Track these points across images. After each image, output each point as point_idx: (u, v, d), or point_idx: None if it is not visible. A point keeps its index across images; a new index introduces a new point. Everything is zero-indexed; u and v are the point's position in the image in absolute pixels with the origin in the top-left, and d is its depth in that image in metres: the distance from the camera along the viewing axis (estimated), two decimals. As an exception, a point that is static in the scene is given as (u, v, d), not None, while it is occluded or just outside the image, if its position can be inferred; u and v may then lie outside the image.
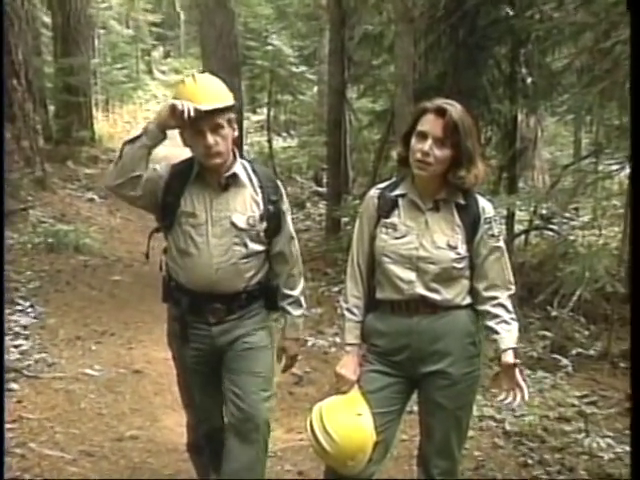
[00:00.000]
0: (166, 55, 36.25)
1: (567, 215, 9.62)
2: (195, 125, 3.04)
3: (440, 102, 2.87)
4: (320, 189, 15.04)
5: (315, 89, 18.09)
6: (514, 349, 2.95)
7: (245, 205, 3.17)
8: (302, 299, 3.39)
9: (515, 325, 2.98)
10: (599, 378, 5.98)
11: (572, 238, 8.75)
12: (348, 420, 2.89)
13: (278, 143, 18.09)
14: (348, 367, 3.01)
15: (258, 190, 3.20)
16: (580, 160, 9.07)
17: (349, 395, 2.98)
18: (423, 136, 2.84)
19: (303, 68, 18.53)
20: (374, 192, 3.05)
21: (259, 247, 3.20)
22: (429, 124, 2.84)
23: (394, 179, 3.15)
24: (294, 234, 3.36)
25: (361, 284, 3.06)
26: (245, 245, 3.15)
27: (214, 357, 3.24)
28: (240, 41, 13.83)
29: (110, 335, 6.71)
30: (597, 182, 7.46)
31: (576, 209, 10.75)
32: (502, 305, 2.97)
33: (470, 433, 4.13)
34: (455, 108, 2.84)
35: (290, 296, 3.34)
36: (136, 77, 25.55)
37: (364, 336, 3.06)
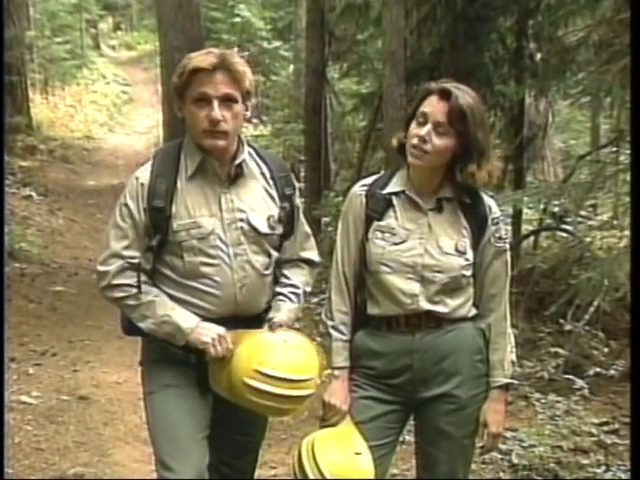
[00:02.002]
0: (116, 27, 36.22)
1: (583, 213, 9.64)
2: (199, 86, 2.81)
3: (446, 83, 2.87)
4: (297, 184, 15.07)
5: (291, 68, 18.13)
6: (507, 385, 2.99)
7: (261, 203, 2.96)
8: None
9: (509, 349, 3.00)
10: (621, 402, 5.99)
11: (589, 240, 8.77)
12: (345, 459, 2.86)
13: (248, 131, 18.10)
14: (338, 395, 2.99)
15: (271, 182, 3.01)
16: (598, 149, 9.15)
17: (342, 428, 2.96)
18: (423, 119, 2.84)
19: (277, 43, 18.59)
20: (360, 189, 3.01)
21: (276, 254, 3.04)
22: (431, 106, 2.83)
23: (382, 173, 3.14)
24: (311, 236, 3.21)
25: (348, 297, 3.03)
26: (267, 253, 2.98)
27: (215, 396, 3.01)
28: (203, 11, 13.83)
29: (51, 356, 6.67)
30: (618, 175, 7.50)
31: (593, 206, 10.82)
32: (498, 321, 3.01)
33: (471, 466, 4.15)
34: (463, 92, 2.83)
35: (293, 285, 3.11)
36: (80, 53, 25.48)
37: (352, 357, 3.04)
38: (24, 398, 5.63)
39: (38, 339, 7.04)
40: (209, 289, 2.88)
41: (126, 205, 2.88)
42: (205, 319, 2.88)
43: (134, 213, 2.86)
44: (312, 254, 3.19)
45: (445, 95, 2.81)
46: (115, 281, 2.88)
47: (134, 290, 2.86)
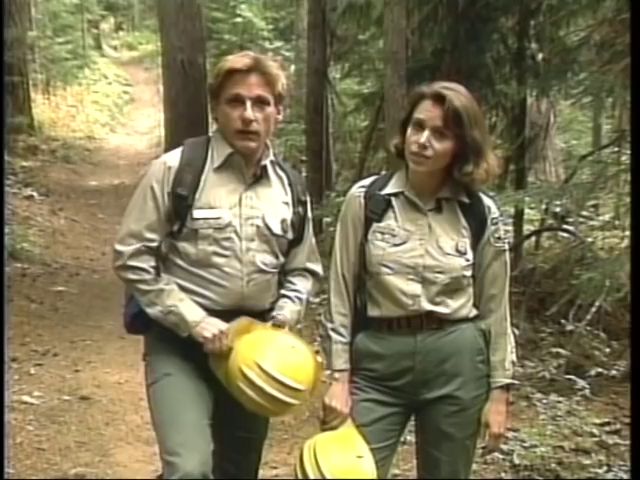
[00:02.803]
0: (117, 28, 36.21)
1: (584, 213, 9.64)
2: (233, 87, 2.89)
3: (439, 86, 2.86)
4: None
5: (292, 68, 18.11)
6: (508, 386, 3.00)
7: (277, 205, 3.04)
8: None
9: (510, 349, 3.01)
10: (622, 403, 5.98)
11: (590, 240, 8.77)
12: (347, 463, 2.86)
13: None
14: (339, 398, 2.98)
15: (288, 189, 3.09)
16: (600, 149, 9.13)
17: (344, 431, 2.96)
18: (420, 125, 2.83)
19: (278, 44, 18.60)
20: (358, 191, 3.02)
21: (283, 259, 3.10)
22: (426, 112, 2.83)
23: (379, 175, 3.15)
24: (316, 249, 3.26)
25: (347, 299, 3.03)
26: (275, 255, 3.04)
27: (219, 389, 3.01)
28: (204, 12, 13.83)
29: (53, 356, 6.67)
30: (619, 175, 7.49)
31: (595, 206, 10.81)
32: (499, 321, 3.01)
33: (472, 467, 4.14)
34: (456, 93, 2.83)
35: (297, 290, 3.16)
36: (82, 53, 25.46)
37: (353, 360, 3.04)
38: (25, 398, 5.62)
39: (39, 339, 7.04)
40: (217, 279, 2.94)
41: (151, 187, 2.94)
42: (210, 310, 2.93)
43: (158, 196, 2.93)
44: (317, 267, 3.25)
45: (439, 99, 2.81)
46: (130, 262, 2.93)
47: (147, 275, 2.92)
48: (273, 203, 3.03)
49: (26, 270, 9.06)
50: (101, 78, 26.53)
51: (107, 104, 23.65)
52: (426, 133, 2.80)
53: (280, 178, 3.10)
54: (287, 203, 3.08)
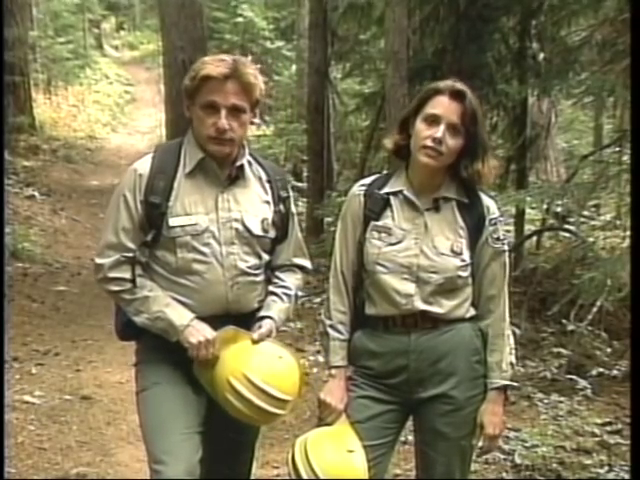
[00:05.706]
0: (119, 27, 36.23)
1: (586, 213, 9.65)
2: (208, 93, 2.83)
3: (455, 83, 2.87)
4: (300, 184, 15.06)
5: (293, 68, 18.12)
6: (506, 387, 2.98)
7: (256, 205, 2.99)
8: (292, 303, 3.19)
9: (508, 351, 2.99)
10: (624, 403, 5.98)
11: (591, 240, 8.77)
12: (338, 457, 2.87)
13: (251, 131, 18.06)
14: (334, 394, 2.99)
15: (267, 186, 3.04)
16: (601, 149, 9.13)
17: (337, 427, 2.97)
18: (434, 120, 2.83)
19: (279, 43, 18.61)
20: (358, 189, 3.03)
21: (268, 257, 3.06)
22: (443, 107, 2.83)
23: (382, 174, 3.15)
24: (303, 244, 3.24)
25: (346, 297, 3.04)
26: (258, 255, 3.00)
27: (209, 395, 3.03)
28: (206, 11, 13.84)
29: (54, 355, 6.68)
30: (621, 175, 7.49)
31: (596, 206, 10.81)
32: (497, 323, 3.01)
33: (473, 467, 4.14)
34: (471, 92, 2.85)
35: (286, 287, 3.12)
36: (83, 53, 25.47)
37: (351, 357, 3.05)
38: (27, 398, 5.63)
39: (41, 339, 7.05)
40: (200, 287, 2.91)
41: (123, 196, 2.90)
42: (196, 318, 2.90)
43: (130, 204, 2.89)
44: (305, 261, 3.22)
45: (458, 96, 2.82)
46: (110, 274, 2.90)
47: (129, 284, 2.89)
48: (252, 203, 2.98)
49: (27, 270, 9.08)
50: (102, 78, 26.55)
51: (108, 104, 23.66)
52: (442, 128, 2.80)
53: (259, 177, 3.04)
54: (267, 202, 3.02)
